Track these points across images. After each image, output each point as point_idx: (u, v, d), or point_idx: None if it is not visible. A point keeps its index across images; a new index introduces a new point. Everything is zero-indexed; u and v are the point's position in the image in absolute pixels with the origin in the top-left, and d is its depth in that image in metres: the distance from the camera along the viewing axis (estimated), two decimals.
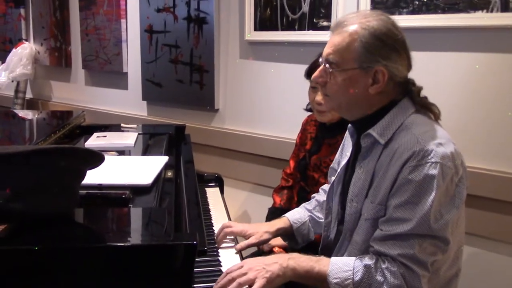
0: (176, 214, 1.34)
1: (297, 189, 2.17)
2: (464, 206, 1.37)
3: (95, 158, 1.14)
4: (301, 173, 2.14)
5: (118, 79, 3.58)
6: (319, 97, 1.92)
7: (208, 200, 2.22)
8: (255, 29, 2.74)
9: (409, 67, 1.38)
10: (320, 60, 1.42)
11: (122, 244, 0.99)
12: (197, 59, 3.03)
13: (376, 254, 1.31)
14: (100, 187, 1.35)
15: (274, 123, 2.72)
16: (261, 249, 2.01)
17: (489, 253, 2.04)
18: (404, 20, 2.09)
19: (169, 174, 1.71)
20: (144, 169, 1.52)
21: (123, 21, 3.45)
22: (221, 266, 1.51)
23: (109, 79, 3.66)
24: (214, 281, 1.30)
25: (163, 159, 1.65)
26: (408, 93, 1.39)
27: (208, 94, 3.01)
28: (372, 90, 1.35)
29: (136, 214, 1.25)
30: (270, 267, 1.30)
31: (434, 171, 1.24)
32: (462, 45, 2.01)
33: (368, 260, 1.29)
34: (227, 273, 1.31)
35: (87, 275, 0.98)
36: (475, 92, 2.00)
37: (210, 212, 2.05)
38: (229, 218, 2.00)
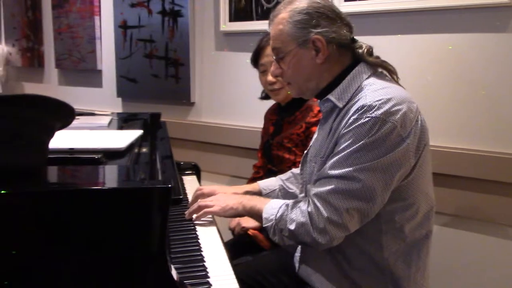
0: (151, 171, 1.30)
1: (265, 172, 2.16)
2: (427, 168, 1.39)
3: (65, 110, 1.10)
4: (266, 156, 2.16)
5: (92, 77, 3.54)
6: (269, 77, 2.00)
7: (185, 186, 2.18)
8: (230, 20, 2.74)
9: (347, 28, 1.43)
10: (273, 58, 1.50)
11: (99, 187, 0.96)
12: (172, 52, 3.01)
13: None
14: (71, 151, 1.31)
15: (250, 114, 2.71)
16: (236, 233, 1.99)
17: (459, 231, 2.05)
18: (378, 4, 2.14)
19: (144, 150, 1.67)
20: (118, 137, 1.49)
21: (96, 17, 3.42)
22: (199, 239, 1.49)
23: (83, 77, 3.61)
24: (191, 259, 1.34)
25: (138, 132, 1.62)
26: (358, 56, 1.43)
27: (184, 88, 2.98)
28: (319, 60, 1.40)
29: (111, 168, 1.22)
30: (228, 200, 1.56)
31: (371, 125, 1.27)
32: (436, 27, 2.04)
33: (291, 201, 1.42)
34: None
35: (61, 221, 0.94)
36: (449, 72, 2.02)
37: (188, 197, 2.01)
38: None
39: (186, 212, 1.62)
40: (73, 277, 0.96)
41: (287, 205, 1.40)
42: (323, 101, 1.45)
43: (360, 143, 1.27)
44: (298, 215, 1.34)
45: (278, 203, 1.44)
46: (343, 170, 1.29)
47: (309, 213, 1.32)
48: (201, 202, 1.60)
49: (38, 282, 0.95)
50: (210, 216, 1.63)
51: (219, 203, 1.56)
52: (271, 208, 1.43)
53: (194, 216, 1.59)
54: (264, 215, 1.43)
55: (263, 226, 1.43)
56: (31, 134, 1.07)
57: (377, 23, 2.17)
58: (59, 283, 0.95)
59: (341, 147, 1.31)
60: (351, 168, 1.28)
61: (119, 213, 0.96)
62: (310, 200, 1.34)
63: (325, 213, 1.30)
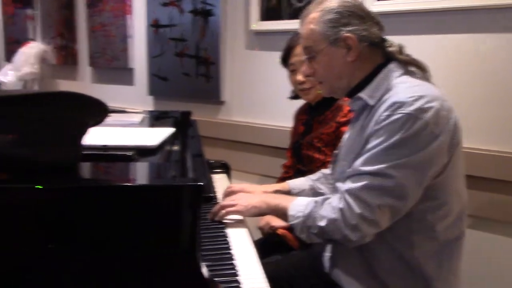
0: (182, 169, 1.31)
1: (294, 172, 2.15)
2: (459, 167, 1.38)
3: (99, 107, 1.11)
4: (296, 156, 2.15)
5: (124, 75, 3.59)
6: (299, 77, 1.99)
7: (215, 184, 2.19)
8: (261, 19, 2.74)
9: (377, 26, 1.43)
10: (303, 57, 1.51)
11: (131, 184, 0.97)
12: (203, 51, 3.03)
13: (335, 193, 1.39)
14: (105, 147, 1.33)
15: (280, 113, 2.70)
16: (266, 232, 1.99)
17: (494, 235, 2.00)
18: (409, 4, 2.11)
19: (175, 147, 1.69)
20: (150, 134, 1.50)
21: (129, 16, 3.47)
22: (228, 237, 1.50)
23: (115, 75, 3.67)
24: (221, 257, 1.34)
25: (170, 129, 1.64)
26: (389, 54, 1.42)
27: (214, 87, 3.00)
28: (350, 58, 1.41)
29: (142, 166, 1.24)
30: (251, 199, 1.55)
31: (403, 121, 1.26)
32: (465, 27, 2.00)
33: (320, 197, 1.40)
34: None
35: (93, 217, 0.96)
36: (478, 73, 1.97)
37: (217, 195, 2.02)
38: None
39: (209, 213, 1.60)
40: (102, 272, 0.97)
41: (316, 202, 1.39)
42: (354, 100, 1.45)
43: (392, 140, 1.27)
44: (329, 211, 1.34)
45: (305, 200, 1.44)
46: (376, 167, 1.28)
47: (341, 210, 1.31)
48: (224, 201, 1.60)
49: (70, 276, 0.96)
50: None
51: (241, 202, 1.54)
52: (298, 205, 1.42)
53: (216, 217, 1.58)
54: (291, 212, 1.42)
55: (290, 223, 1.43)
56: (67, 131, 1.10)
57: (408, 22, 2.14)
58: (89, 277, 0.97)
59: (373, 144, 1.30)
60: (383, 165, 1.27)
61: (150, 210, 0.97)
62: (341, 197, 1.33)
63: (357, 210, 1.29)
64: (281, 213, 1.47)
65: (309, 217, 1.37)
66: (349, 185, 1.32)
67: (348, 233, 1.29)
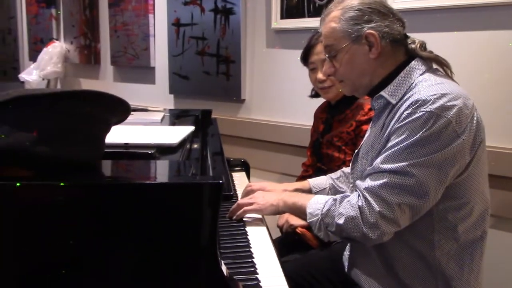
0: (202, 167, 1.32)
1: (314, 171, 2.15)
2: (483, 166, 1.36)
3: (121, 106, 1.13)
4: (316, 154, 2.14)
5: (145, 73, 3.62)
6: (319, 75, 1.98)
7: (235, 182, 2.20)
8: (282, 17, 2.73)
9: (399, 23, 1.42)
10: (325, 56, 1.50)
11: (152, 182, 0.98)
12: (223, 50, 3.04)
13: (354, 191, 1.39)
14: (126, 145, 1.35)
15: (300, 112, 2.69)
16: (285, 230, 1.99)
17: None
18: (434, 0, 2.08)
19: (195, 146, 1.70)
20: (171, 132, 1.52)
21: (150, 16, 3.49)
22: (248, 235, 1.50)
23: (136, 74, 3.70)
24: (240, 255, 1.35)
25: (190, 128, 1.65)
26: (412, 51, 1.41)
27: (234, 85, 3.01)
28: (372, 55, 1.40)
29: (163, 164, 1.25)
30: (268, 197, 1.55)
31: (425, 119, 1.25)
32: (494, 23, 1.97)
33: (338, 195, 1.40)
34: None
35: (115, 214, 0.97)
36: (508, 70, 1.94)
37: (237, 193, 2.03)
38: None
39: (228, 214, 1.60)
40: (123, 271, 0.98)
41: (334, 200, 1.39)
42: (376, 98, 1.43)
43: (414, 138, 1.25)
44: (348, 209, 1.33)
45: (323, 198, 1.43)
46: (396, 165, 1.27)
47: (360, 207, 1.30)
48: (241, 200, 1.60)
49: (91, 273, 0.97)
50: None
51: (259, 200, 1.54)
52: (316, 203, 1.42)
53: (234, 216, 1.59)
54: (309, 210, 1.42)
55: (307, 221, 1.42)
56: (89, 129, 1.11)
57: (433, 19, 2.11)
58: (110, 275, 0.98)
59: (394, 142, 1.29)
60: (404, 163, 1.26)
61: (170, 207, 0.97)
62: (361, 194, 1.32)
63: (376, 207, 1.28)
64: (299, 211, 1.48)
65: (327, 215, 1.37)
66: (368, 183, 1.31)
67: (367, 231, 1.29)
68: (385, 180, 1.28)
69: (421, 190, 1.26)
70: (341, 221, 1.33)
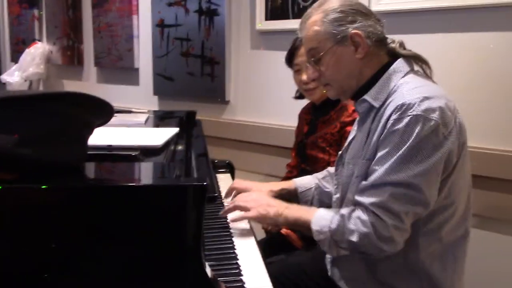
0: (186, 169, 1.32)
1: (298, 172, 2.15)
2: (466, 167, 1.38)
3: (104, 107, 1.12)
4: (300, 155, 2.15)
5: (129, 75, 3.60)
6: (304, 77, 2.00)
7: (219, 184, 2.19)
8: (266, 19, 2.74)
9: (379, 23, 1.43)
10: (307, 63, 1.51)
11: (135, 184, 0.97)
12: (208, 51, 3.03)
13: (355, 205, 1.35)
14: (109, 148, 1.34)
15: (285, 113, 2.69)
16: (270, 231, 1.99)
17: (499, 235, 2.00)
18: (416, 2, 2.10)
19: (180, 147, 1.69)
20: (155, 134, 1.51)
21: (135, 16, 3.48)
22: (233, 237, 1.50)
23: (120, 75, 3.68)
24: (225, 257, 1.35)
25: (174, 129, 1.64)
26: (393, 51, 1.42)
27: (219, 86, 3.00)
28: (359, 55, 1.40)
29: (147, 165, 1.24)
30: (269, 208, 1.48)
31: (413, 123, 1.25)
32: (477, 25, 1.99)
33: (345, 210, 1.36)
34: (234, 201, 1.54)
35: (98, 217, 0.96)
36: (490, 72, 1.96)
37: (222, 195, 2.03)
38: None
39: (221, 211, 1.60)
40: (107, 272, 0.97)
41: (342, 216, 1.35)
42: (359, 102, 1.44)
43: (407, 145, 1.26)
44: (359, 225, 1.30)
45: (328, 214, 1.40)
46: (398, 177, 1.26)
47: (372, 224, 1.28)
48: (238, 202, 1.56)
49: (74, 276, 0.97)
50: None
51: (259, 209, 1.49)
52: (322, 219, 1.38)
53: (229, 217, 1.57)
54: (315, 227, 1.37)
55: (315, 239, 1.39)
56: (72, 131, 1.10)
57: (417, 21, 2.13)
58: (94, 277, 0.97)
59: (387, 150, 1.29)
60: (404, 174, 1.26)
61: (155, 209, 0.97)
62: (368, 211, 1.30)
63: (389, 221, 1.27)
64: (303, 227, 1.44)
65: (336, 232, 1.34)
66: (374, 198, 1.29)
67: (382, 245, 1.28)
68: (390, 192, 1.27)
69: (425, 198, 1.27)
70: (354, 238, 1.30)
